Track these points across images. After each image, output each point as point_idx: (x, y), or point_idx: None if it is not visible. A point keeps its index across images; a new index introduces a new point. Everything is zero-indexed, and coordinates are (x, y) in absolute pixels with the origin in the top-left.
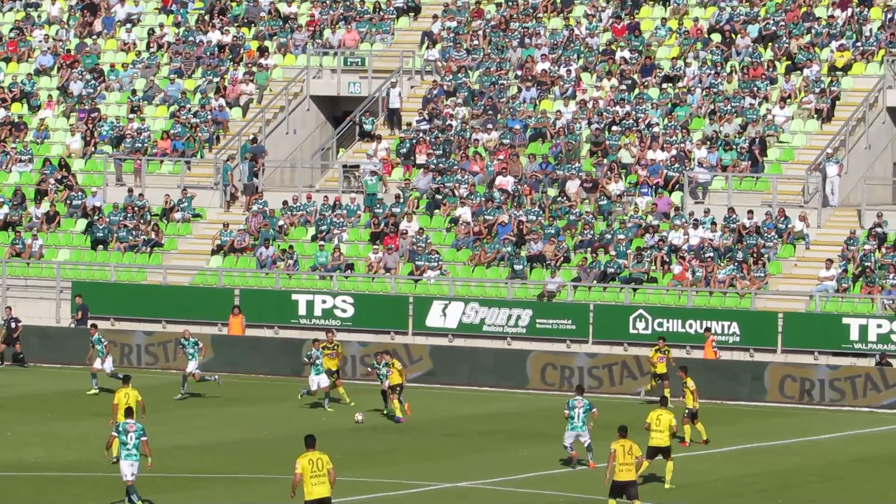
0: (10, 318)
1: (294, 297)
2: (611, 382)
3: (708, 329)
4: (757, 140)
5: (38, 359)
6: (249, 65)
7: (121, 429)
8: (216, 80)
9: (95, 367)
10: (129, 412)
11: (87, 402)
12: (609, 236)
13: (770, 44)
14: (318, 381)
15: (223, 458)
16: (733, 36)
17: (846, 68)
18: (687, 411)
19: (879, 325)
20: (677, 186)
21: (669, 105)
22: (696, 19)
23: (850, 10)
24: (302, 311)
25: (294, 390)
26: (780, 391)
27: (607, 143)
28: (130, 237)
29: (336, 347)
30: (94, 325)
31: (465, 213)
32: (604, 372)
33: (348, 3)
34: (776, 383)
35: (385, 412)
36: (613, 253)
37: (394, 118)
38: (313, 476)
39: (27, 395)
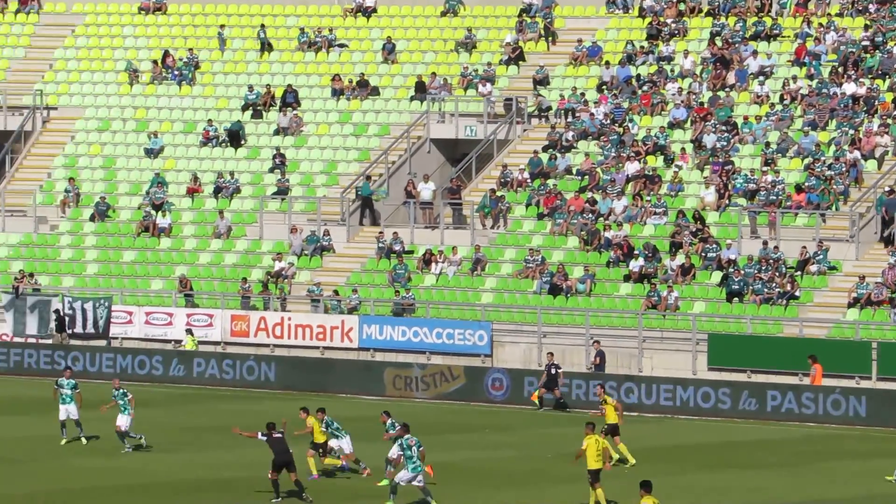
0: (550, 364)
1: None
2: None
3: None
4: None
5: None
6: (884, 116)
7: (404, 444)
8: (851, 132)
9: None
10: (406, 428)
11: (712, 453)
12: None
13: None
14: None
15: None
16: None
17: None
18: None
19: None
20: None
21: None
22: None
23: None
24: None
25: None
26: None
27: None
28: (766, 289)
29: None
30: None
31: None
32: None
33: None
34: None
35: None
36: None
37: None
38: None
39: (660, 447)
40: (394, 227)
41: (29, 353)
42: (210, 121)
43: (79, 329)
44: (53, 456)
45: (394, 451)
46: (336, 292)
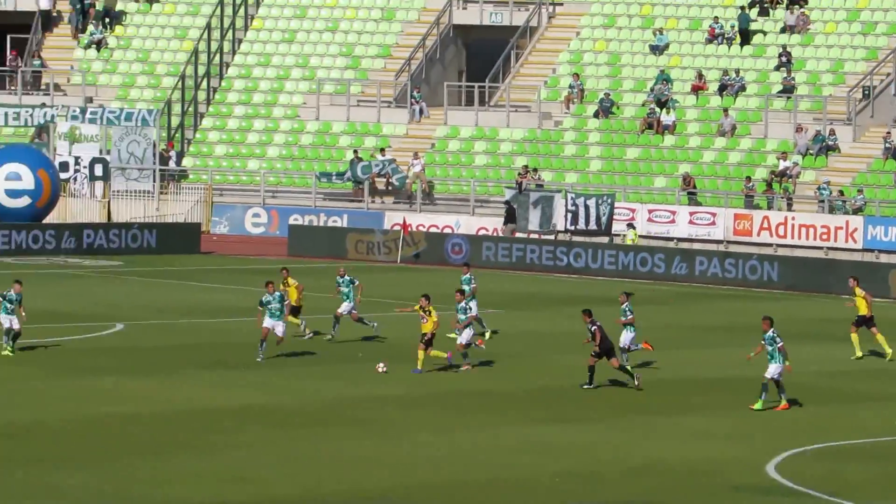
0: None
1: None
2: None
3: None
4: None
5: None
6: None
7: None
8: None
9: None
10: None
11: None
12: None
13: None
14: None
15: None
16: None
17: None
18: None
19: None
20: None
21: None
22: None
23: None
24: None
25: None
26: None
27: None
28: None
29: None
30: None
31: None
32: None
33: None
34: None
35: None
36: None
37: None
38: None
39: None
40: None
41: (531, 249)
42: (716, 18)
43: (581, 225)
44: (538, 353)
45: (626, 338)
46: (841, 192)
